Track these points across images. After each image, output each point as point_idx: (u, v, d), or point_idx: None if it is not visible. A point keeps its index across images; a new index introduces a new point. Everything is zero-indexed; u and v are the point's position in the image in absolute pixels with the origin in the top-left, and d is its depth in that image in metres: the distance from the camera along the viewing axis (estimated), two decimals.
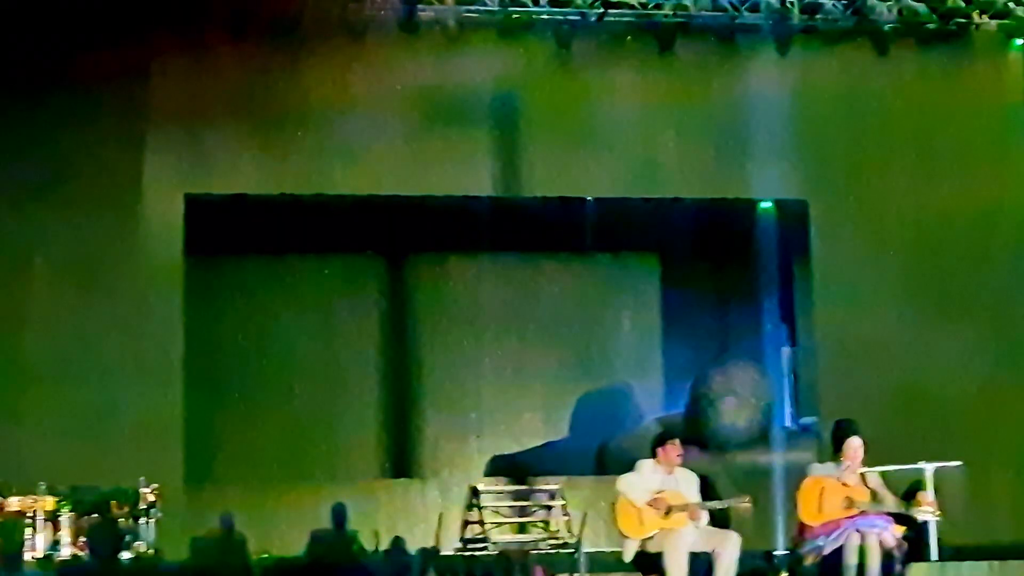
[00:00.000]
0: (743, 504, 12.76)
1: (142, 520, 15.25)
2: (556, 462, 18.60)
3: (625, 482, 12.52)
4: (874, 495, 12.48)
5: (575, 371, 19.86)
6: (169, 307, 16.87)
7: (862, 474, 12.55)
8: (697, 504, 12.54)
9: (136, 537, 15.16)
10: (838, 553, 12.23)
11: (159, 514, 15.32)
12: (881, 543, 12.19)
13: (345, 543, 16.06)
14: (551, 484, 16.95)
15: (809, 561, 12.37)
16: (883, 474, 12.61)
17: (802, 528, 12.54)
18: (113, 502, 15.19)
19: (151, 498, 15.27)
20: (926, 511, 12.68)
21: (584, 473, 17.84)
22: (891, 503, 12.50)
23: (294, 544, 16.10)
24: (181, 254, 17.06)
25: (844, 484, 12.46)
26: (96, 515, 15.13)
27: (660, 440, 12.91)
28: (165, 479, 15.64)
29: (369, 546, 16.20)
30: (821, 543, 12.29)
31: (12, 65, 16.19)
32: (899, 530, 12.39)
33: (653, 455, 12.78)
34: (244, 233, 18.16)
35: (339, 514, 16.29)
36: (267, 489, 17.05)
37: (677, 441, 12.88)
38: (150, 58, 16.69)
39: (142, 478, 15.23)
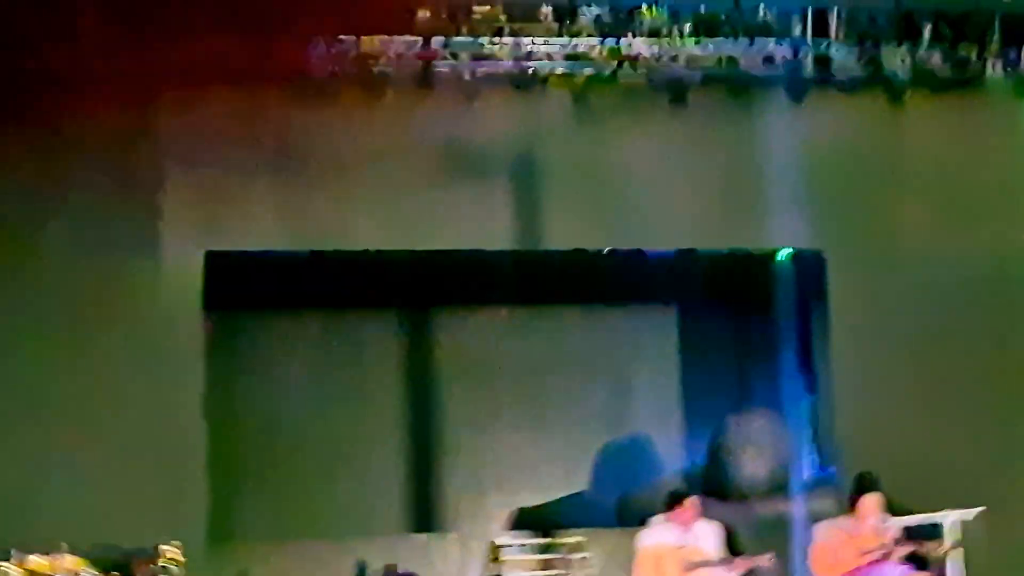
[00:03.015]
0: (765, 560, 12.77)
1: None
2: (577, 515, 18.55)
3: (648, 537, 12.56)
4: (886, 541, 12.50)
5: (595, 423, 19.80)
6: (189, 363, 16.87)
7: (878, 521, 12.58)
8: (716, 561, 12.58)
9: None
10: None
11: (181, 572, 15.35)
12: None
13: None
14: (572, 537, 16.96)
15: None
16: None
17: None
18: (135, 560, 15.22)
19: (173, 556, 15.29)
20: (941, 549, 12.66)
21: (605, 525, 17.80)
22: (905, 546, 12.52)
23: None
24: (200, 310, 17.11)
25: (856, 536, 12.49)
26: (118, 574, 15.16)
27: (676, 498, 12.91)
28: (186, 537, 15.62)
29: None
30: None
31: (30, 125, 16.26)
32: None
33: (669, 510, 12.81)
34: (264, 288, 18.19)
35: (361, 570, 16.29)
36: (289, 545, 17.02)
37: (695, 498, 12.88)
38: (167, 115, 16.77)
39: (164, 536, 15.25)
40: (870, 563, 12.41)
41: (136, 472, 16.19)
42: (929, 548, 12.64)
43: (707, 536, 13.16)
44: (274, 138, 17.08)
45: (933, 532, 12.99)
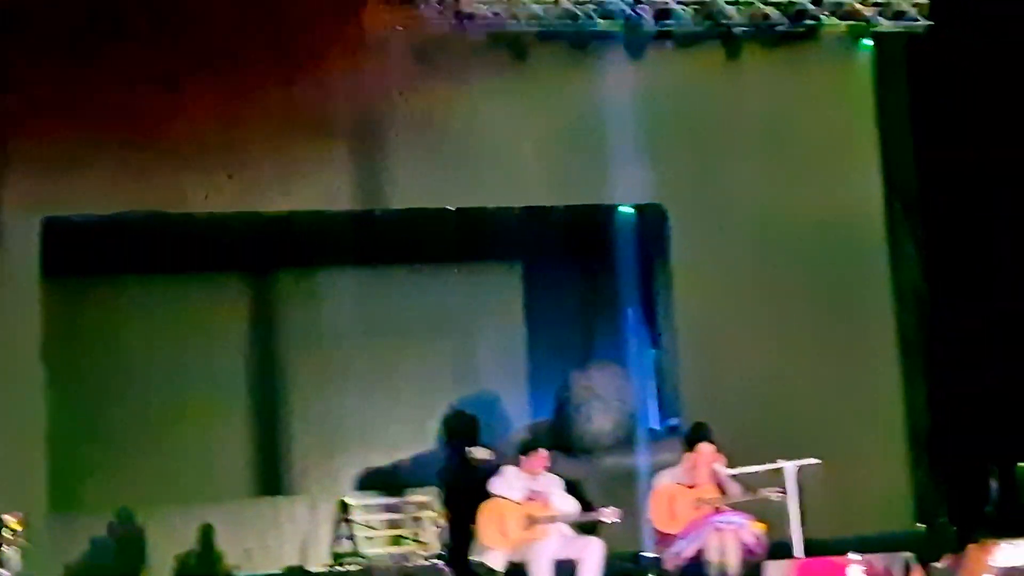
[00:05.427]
0: (608, 515, 12.90)
1: (7, 549, 15.12)
2: (427, 473, 18.57)
3: (498, 485, 12.70)
4: (722, 490, 12.69)
5: (443, 382, 19.79)
6: (28, 332, 16.62)
7: (712, 471, 12.75)
8: (560, 516, 12.70)
9: (1, 566, 15.03)
10: (701, 554, 12.42)
11: (24, 542, 15.20)
12: (740, 540, 12.38)
13: (213, 563, 16.03)
14: (421, 496, 17.00)
15: (671, 565, 12.51)
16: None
17: (662, 535, 12.70)
18: None
19: (16, 526, 15.13)
20: (773, 491, 12.83)
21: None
22: (739, 493, 12.71)
23: (162, 567, 16.02)
24: (39, 277, 16.86)
25: (693, 486, 12.65)
26: None
27: (525, 449, 13.07)
28: (30, 507, 15.44)
29: (239, 566, 16.17)
30: (682, 546, 12.46)
31: None
32: (759, 527, 12.58)
33: (518, 463, 12.94)
34: (104, 254, 17.98)
35: (207, 534, 16.24)
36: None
37: (542, 450, 13.05)
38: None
39: (5, 506, 15.08)
40: (707, 513, 12.56)
41: None
42: (765, 497, 12.80)
43: (552, 489, 13.28)
44: (112, 102, 16.84)
45: (769, 482, 13.13)
